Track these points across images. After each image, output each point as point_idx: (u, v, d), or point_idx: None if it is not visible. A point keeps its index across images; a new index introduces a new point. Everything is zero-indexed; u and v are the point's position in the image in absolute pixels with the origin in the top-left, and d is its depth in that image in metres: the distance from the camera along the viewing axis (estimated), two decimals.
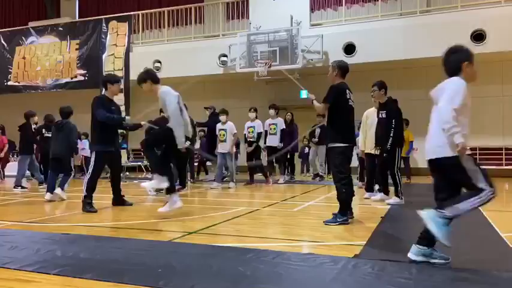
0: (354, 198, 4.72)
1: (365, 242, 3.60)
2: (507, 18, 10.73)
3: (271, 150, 9.84)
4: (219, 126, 9.33)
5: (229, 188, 8.96)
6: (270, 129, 9.91)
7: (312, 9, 13.14)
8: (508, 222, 5.07)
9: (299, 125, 10.95)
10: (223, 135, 9.16)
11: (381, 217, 4.94)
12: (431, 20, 11.59)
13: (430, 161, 2.99)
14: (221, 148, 9.24)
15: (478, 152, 12.14)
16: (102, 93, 6.26)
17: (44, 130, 9.32)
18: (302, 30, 12.19)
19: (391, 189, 6.41)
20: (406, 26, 11.71)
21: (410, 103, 12.71)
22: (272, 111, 10.00)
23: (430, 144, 3.00)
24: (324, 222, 4.54)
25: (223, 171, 9.67)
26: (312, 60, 12.24)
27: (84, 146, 13.14)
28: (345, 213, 4.55)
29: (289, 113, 10.78)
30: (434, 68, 14.20)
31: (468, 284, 2.57)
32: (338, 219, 4.50)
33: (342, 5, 12.92)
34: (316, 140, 10.63)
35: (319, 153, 10.76)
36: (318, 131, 10.57)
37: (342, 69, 4.75)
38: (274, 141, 9.84)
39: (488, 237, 3.98)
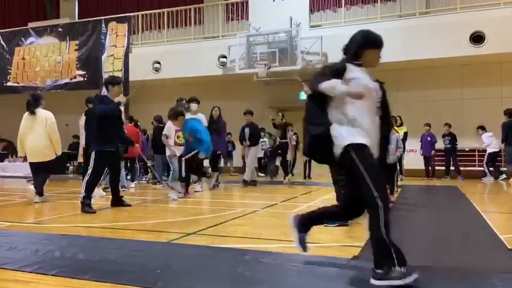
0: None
1: (364, 244, 3.60)
2: (506, 19, 10.75)
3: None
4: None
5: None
6: None
7: (311, 11, 13.15)
8: (507, 224, 5.08)
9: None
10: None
11: None
12: (430, 21, 11.61)
13: None
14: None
15: (477, 153, 12.16)
16: (104, 94, 6.26)
17: None
18: (301, 32, 12.21)
19: None
20: (406, 27, 11.72)
21: (410, 104, 12.74)
22: (194, 106, 8.28)
23: None
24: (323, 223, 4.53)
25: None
26: (311, 61, 12.24)
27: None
28: None
29: (216, 108, 9.21)
30: (434, 70, 14.17)
31: (466, 285, 2.57)
32: (337, 221, 4.49)
33: (341, 7, 12.94)
34: (248, 143, 9.42)
35: (249, 156, 9.49)
36: (247, 130, 9.50)
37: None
38: None
39: (486, 238, 3.98)
